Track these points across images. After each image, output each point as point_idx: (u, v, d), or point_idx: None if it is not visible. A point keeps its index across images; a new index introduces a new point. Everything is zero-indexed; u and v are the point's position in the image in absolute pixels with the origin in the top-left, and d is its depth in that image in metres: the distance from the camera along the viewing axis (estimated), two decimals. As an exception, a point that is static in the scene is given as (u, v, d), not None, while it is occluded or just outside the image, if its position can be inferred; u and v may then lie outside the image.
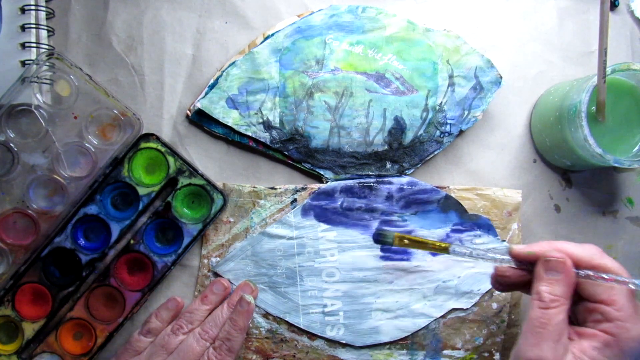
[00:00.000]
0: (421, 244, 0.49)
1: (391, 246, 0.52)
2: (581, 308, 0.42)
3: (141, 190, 0.54)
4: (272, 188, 0.55)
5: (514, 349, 0.41)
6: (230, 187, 0.55)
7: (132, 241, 0.54)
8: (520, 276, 0.44)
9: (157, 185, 0.54)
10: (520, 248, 0.43)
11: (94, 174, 0.54)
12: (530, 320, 0.40)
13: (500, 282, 0.46)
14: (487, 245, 0.54)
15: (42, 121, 0.54)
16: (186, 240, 0.54)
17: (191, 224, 0.54)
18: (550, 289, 0.40)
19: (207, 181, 0.54)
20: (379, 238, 0.51)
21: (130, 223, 0.54)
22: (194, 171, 0.54)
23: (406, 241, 0.49)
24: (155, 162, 0.55)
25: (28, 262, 0.53)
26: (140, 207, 0.54)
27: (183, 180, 0.54)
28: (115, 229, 0.54)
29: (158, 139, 0.54)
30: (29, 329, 0.53)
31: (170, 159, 0.54)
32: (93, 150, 0.54)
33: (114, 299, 0.54)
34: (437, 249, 0.48)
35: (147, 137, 0.54)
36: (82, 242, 0.54)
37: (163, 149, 0.54)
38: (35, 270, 0.53)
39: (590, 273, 0.40)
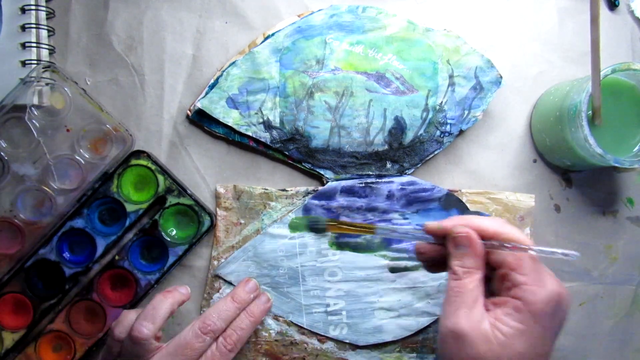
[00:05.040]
0: (349, 228, 0.50)
1: (324, 232, 0.53)
2: (495, 280, 0.43)
3: (129, 207, 0.53)
4: (283, 190, 0.55)
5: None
6: (240, 188, 0.55)
7: (117, 257, 0.54)
8: (436, 251, 0.46)
9: (145, 203, 0.54)
10: (433, 224, 0.45)
11: (83, 188, 0.54)
12: (446, 293, 0.42)
13: (421, 259, 0.48)
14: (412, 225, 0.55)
15: (34, 132, 0.53)
16: (171, 260, 0.54)
17: (177, 244, 0.54)
18: (461, 263, 0.42)
19: (195, 202, 0.54)
20: (313, 225, 0.53)
21: (116, 239, 0.54)
22: (182, 191, 0.54)
23: (337, 226, 0.50)
24: (144, 179, 0.54)
25: (11, 272, 0.53)
26: (127, 223, 0.54)
27: (171, 200, 0.54)
28: (101, 244, 0.53)
29: (149, 156, 0.54)
30: (9, 339, 0.53)
31: (160, 178, 0.54)
32: (83, 163, 0.54)
33: (95, 314, 0.54)
34: (364, 231, 0.50)
35: (138, 154, 0.54)
36: (67, 255, 0.54)
37: (153, 167, 0.54)
38: (18, 281, 0.53)
39: (495, 243, 0.42)
